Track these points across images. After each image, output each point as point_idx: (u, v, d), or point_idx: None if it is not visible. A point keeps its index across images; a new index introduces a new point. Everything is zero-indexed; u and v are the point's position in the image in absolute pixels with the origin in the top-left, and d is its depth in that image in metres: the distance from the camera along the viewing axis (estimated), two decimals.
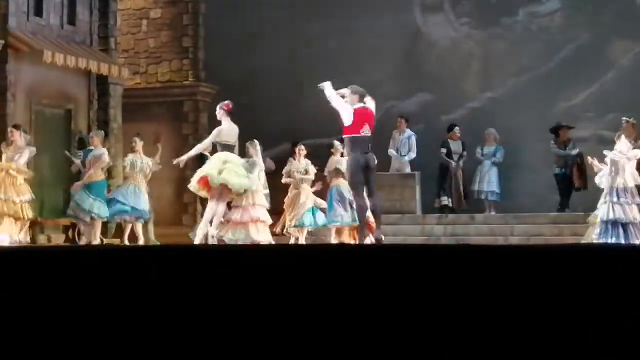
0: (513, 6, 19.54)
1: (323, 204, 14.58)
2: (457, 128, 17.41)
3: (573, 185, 16.28)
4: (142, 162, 15.10)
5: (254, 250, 8.81)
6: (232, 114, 12.69)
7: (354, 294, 6.38)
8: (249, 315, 6.44)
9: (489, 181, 17.14)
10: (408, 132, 17.60)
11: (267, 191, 14.03)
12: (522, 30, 19.53)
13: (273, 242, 13.37)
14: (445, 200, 17.12)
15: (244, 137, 15.80)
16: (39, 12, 17.06)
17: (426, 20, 20.15)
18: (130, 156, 15.18)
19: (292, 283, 6.60)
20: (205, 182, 12.24)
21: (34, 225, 15.27)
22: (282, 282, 6.61)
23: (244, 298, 6.56)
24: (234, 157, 12.61)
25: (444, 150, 17.29)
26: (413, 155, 17.45)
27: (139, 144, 15.16)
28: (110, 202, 14.79)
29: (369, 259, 6.83)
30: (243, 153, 13.77)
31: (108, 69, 17.64)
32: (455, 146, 17.35)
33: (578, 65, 18.69)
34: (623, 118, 14.61)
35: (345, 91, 11.80)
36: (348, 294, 6.38)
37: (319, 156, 15.49)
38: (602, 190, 13.08)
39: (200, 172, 12.35)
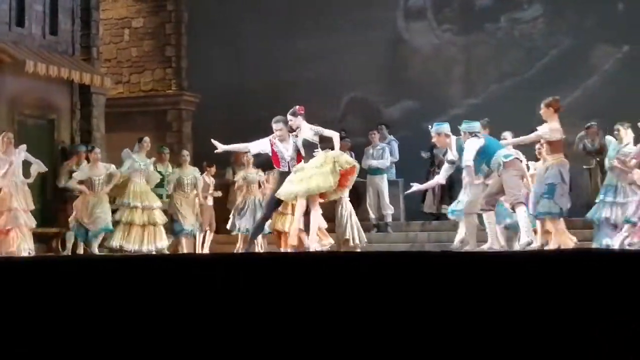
0: (495, 12, 19.58)
1: None
2: None
3: None
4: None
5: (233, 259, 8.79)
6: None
7: (335, 303, 6.37)
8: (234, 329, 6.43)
9: None
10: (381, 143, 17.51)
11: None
12: (504, 37, 19.57)
13: None
14: (423, 207, 17.13)
15: None
16: (20, 22, 17.00)
17: (409, 28, 20.18)
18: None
19: (276, 292, 6.58)
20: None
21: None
22: (265, 291, 6.59)
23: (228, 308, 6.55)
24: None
25: (427, 154, 17.22)
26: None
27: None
28: None
29: (351, 266, 6.82)
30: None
31: (90, 79, 17.58)
32: (438, 152, 17.32)
33: (561, 71, 18.73)
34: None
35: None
36: (330, 303, 6.37)
37: None
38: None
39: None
